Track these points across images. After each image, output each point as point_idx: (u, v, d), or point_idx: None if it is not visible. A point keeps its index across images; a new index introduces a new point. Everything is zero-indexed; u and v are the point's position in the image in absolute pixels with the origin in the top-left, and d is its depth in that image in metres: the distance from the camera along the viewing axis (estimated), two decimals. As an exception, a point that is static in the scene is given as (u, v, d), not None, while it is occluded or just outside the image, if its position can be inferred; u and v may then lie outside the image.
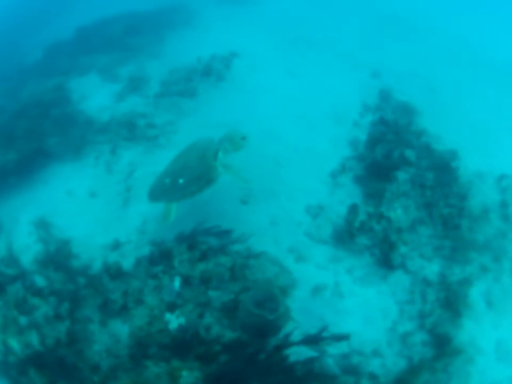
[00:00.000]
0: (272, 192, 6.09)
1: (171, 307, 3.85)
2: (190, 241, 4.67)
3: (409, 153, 6.36)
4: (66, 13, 11.91)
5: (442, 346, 4.74)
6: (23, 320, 4.45)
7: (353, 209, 5.70)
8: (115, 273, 4.66)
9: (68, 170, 6.56)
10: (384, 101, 8.31)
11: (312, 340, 3.80)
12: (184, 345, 3.62)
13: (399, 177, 6.08)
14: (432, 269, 5.45)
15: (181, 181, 4.74)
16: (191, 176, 4.74)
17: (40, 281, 4.98)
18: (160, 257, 4.45)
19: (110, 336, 4.25)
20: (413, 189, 6.03)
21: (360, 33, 11.33)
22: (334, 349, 4.28)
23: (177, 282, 3.95)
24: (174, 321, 3.73)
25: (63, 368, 4.04)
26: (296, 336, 3.93)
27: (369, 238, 5.56)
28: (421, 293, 5.27)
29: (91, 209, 5.92)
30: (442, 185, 6.17)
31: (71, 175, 6.47)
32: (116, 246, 5.44)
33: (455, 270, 5.47)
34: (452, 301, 5.15)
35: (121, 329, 4.27)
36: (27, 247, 5.66)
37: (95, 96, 8.09)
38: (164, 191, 4.79)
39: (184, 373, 3.43)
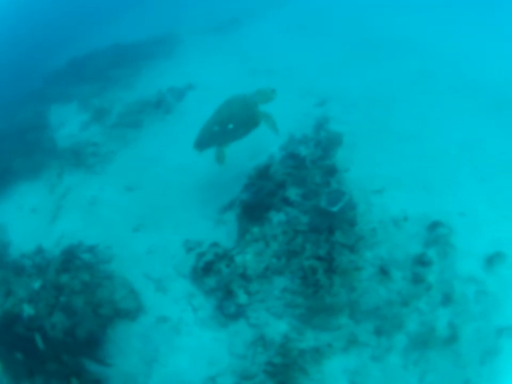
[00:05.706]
0: (161, 222, 7.01)
1: (29, 301, 5.67)
2: (69, 255, 6.41)
3: (292, 192, 6.11)
4: (68, 44, 14.05)
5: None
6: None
7: (208, 248, 5.89)
8: (19, 271, 6.53)
9: (25, 188, 8.46)
10: (315, 132, 7.79)
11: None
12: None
13: (273, 218, 5.87)
14: (277, 328, 5.01)
15: (230, 126, 5.46)
16: (239, 121, 5.49)
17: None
18: (42, 264, 6.27)
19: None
20: (285, 233, 5.63)
21: (328, 59, 11.03)
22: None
23: (37, 284, 5.75)
24: (26, 310, 5.53)
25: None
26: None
27: (217, 281, 5.50)
28: (254, 351, 4.88)
29: (30, 222, 7.84)
30: (319, 231, 5.55)
31: (26, 193, 8.37)
32: (39, 252, 7.32)
33: (306, 335, 4.84)
34: (280, 371, 4.54)
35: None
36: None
37: (69, 124, 9.89)
38: (213, 137, 5.56)
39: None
